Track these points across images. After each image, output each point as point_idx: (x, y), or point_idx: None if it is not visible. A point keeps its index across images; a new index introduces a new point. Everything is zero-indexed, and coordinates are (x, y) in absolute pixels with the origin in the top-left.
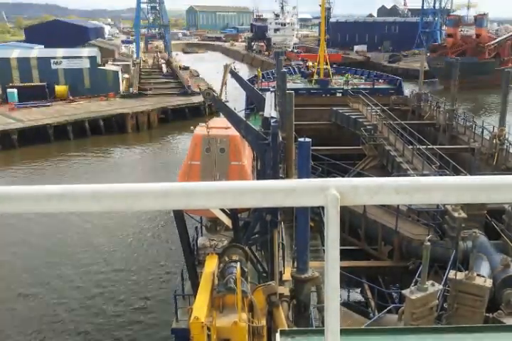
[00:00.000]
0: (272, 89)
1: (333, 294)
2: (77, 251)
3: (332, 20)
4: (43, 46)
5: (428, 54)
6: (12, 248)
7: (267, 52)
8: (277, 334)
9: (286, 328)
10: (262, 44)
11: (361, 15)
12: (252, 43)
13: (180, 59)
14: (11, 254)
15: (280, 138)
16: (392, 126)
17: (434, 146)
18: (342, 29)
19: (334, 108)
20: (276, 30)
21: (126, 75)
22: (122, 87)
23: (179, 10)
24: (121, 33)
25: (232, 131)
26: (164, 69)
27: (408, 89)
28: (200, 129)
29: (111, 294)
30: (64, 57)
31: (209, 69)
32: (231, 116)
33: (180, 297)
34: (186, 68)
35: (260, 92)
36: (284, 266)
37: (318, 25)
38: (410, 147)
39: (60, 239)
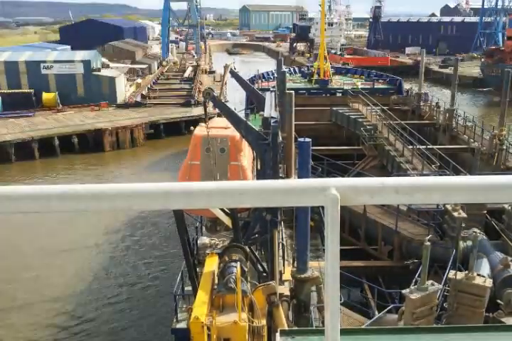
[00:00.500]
0: (271, 89)
1: (333, 294)
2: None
3: (384, 19)
4: (69, 47)
5: (483, 59)
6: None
7: (308, 54)
8: (277, 334)
9: (286, 328)
10: (304, 45)
11: (423, 14)
12: (294, 44)
13: (218, 61)
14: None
15: (280, 138)
16: (392, 126)
17: (434, 146)
18: (394, 29)
19: (334, 108)
20: None
21: (140, 80)
22: (127, 94)
23: (237, 9)
24: (174, 32)
25: (232, 131)
26: (187, 73)
27: (457, 101)
28: (200, 129)
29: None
30: (55, 61)
31: (240, 72)
32: (231, 116)
33: (180, 297)
34: (212, 72)
35: (260, 92)
36: (284, 266)
37: (373, 25)
38: (410, 147)
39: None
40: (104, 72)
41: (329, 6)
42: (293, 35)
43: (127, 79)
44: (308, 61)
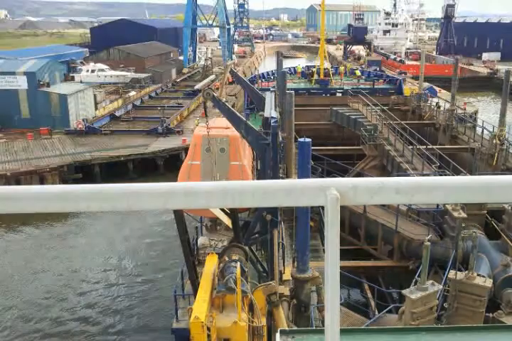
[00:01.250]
0: (272, 89)
1: (333, 294)
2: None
3: (458, 20)
4: (85, 50)
5: None
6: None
7: (361, 61)
8: (277, 334)
9: (287, 328)
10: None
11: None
12: (349, 48)
13: (262, 67)
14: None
15: (280, 138)
16: (392, 126)
17: (434, 146)
18: (469, 31)
19: (334, 108)
20: (385, 32)
21: (133, 93)
22: (99, 113)
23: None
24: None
25: (233, 131)
26: (203, 83)
27: None
28: (201, 129)
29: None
30: None
31: None
32: (231, 116)
33: (180, 297)
34: (232, 82)
35: (260, 92)
36: (284, 266)
37: (444, 26)
38: (410, 147)
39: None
40: (58, 87)
41: (394, 5)
42: (346, 36)
43: (120, 92)
44: (360, 67)
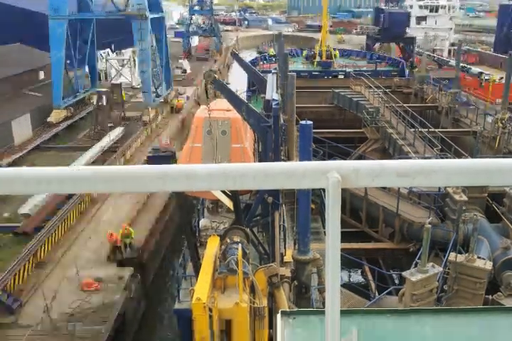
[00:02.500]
0: (273, 71)
1: (334, 275)
2: None
3: None
4: None
5: None
6: None
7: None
8: (278, 315)
9: (287, 309)
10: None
11: None
12: (376, 45)
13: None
14: None
15: (282, 121)
16: (395, 108)
17: (436, 129)
18: None
19: (336, 90)
20: (420, 19)
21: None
22: None
23: None
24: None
25: (234, 114)
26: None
27: None
28: (202, 111)
29: None
30: None
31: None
32: (232, 98)
33: (183, 278)
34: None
35: (262, 74)
36: (285, 248)
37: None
38: (412, 130)
39: None
40: None
41: None
42: (371, 28)
43: None
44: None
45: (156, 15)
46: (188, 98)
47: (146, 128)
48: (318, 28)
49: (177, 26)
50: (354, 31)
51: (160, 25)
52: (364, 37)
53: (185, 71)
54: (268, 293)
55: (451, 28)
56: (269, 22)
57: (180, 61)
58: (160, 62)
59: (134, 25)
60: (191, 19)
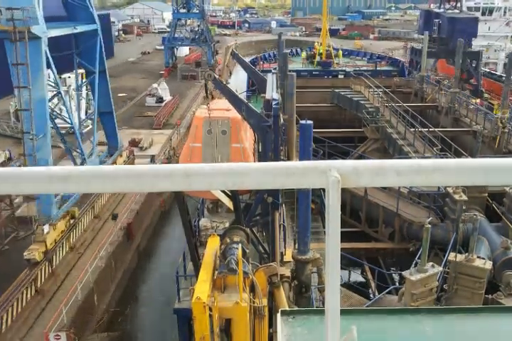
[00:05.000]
0: (273, 71)
1: (334, 275)
2: None
3: None
4: None
5: None
6: None
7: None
8: (278, 315)
9: (287, 308)
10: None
11: None
12: (433, 63)
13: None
14: None
15: (282, 121)
16: (395, 108)
17: (436, 129)
18: None
19: (336, 90)
20: None
21: None
22: None
23: None
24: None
25: (234, 113)
26: None
27: None
28: (202, 111)
29: None
30: None
31: None
32: (232, 97)
33: (182, 277)
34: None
35: (262, 74)
36: (285, 248)
37: None
38: (412, 130)
39: None
40: None
41: None
42: (416, 36)
43: None
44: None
45: (70, 30)
46: (153, 160)
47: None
48: (331, 33)
49: (169, 30)
50: (371, 36)
51: (91, 47)
52: (384, 43)
53: (161, 100)
54: (268, 293)
55: (507, 36)
56: (273, 25)
57: (154, 85)
58: (96, 109)
59: (8, 49)
60: (176, 25)
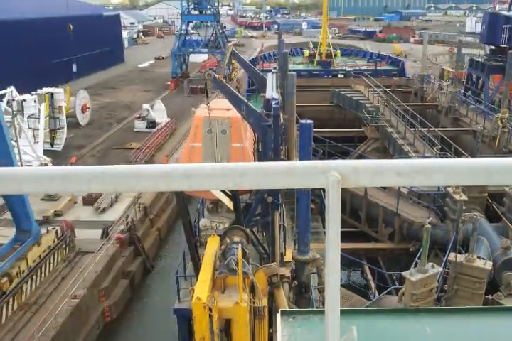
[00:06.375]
0: (273, 70)
1: (334, 275)
2: None
3: None
4: None
5: None
6: None
7: None
8: (278, 315)
9: (287, 309)
10: None
11: None
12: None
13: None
14: None
15: (282, 120)
16: (394, 108)
17: (436, 129)
18: None
19: (336, 89)
20: None
21: None
22: None
23: None
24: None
25: (234, 113)
26: None
27: None
28: (202, 111)
29: None
30: None
31: None
32: (232, 97)
33: (182, 278)
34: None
35: (262, 73)
36: (285, 248)
37: None
38: (412, 129)
39: None
40: None
41: None
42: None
43: None
44: None
45: None
46: (105, 232)
47: None
48: (367, 35)
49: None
50: (412, 39)
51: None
52: (428, 46)
53: (153, 124)
54: (268, 293)
55: None
56: (304, 26)
57: (145, 106)
58: None
59: None
60: (187, 29)
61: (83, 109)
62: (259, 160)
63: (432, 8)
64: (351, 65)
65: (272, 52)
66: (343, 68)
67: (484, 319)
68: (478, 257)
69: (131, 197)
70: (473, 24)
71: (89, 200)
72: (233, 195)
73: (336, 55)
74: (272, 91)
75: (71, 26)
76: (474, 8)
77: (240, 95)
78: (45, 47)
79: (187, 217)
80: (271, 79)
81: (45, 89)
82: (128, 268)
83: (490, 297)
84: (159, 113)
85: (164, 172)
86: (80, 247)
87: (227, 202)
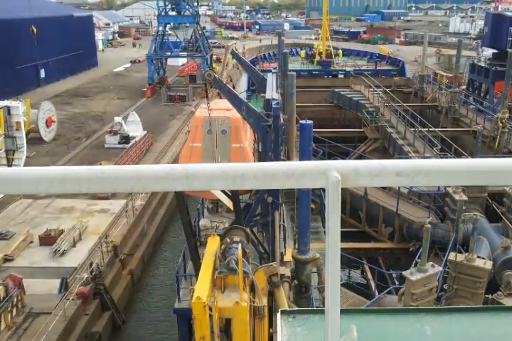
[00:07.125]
0: (273, 71)
1: (334, 275)
2: None
3: None
4: None
5: None
6: None
7: None
8: (278, 314)
9: (287, 308)
10: None
11: None
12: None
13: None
14: None
15: (281, 120)
16: (395, 108)
17: (436, 129)
18: None
19: (336, 89)
20: None
21: None
22: None
23: None
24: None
25: (234, 113)
26: None
27: None
28: (201, 111)
29: None
30: None
31: None
32: (232, 97)
33: (182, 277)
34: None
35: (261, 73)
36: (285, 248)
37: None
38: (412, 129)
39: None
40: None
41: None
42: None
43: None
44: None
45: None
46: (64, 285)
47: None
48: (350, 36)
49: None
50: (397, 40)
51: None
52: (413, 48)
53: (126, 139)
54: (268, 293)
55: None
56: (286, 26)
57: (117, 119)
58: None
59: None
60: (164, 31)
61: (47, 123)
62: (259, 160)
63: (413, 8)
64: (351, 65)
65: (271, 52)
66: (343, 68)
67: (484, 318)
68: (478, 257)
69: (97, 234)
70: (457, 24)
71: (48, 239)
72: (233, 195)
73: (338, 55)
74: (272, 92)
75: (34, 28)
76: (455, 7)
77: (239, 95)
78: (6, 52)
79: (187, 217)
80: (271, 80)
81: (0, 103)
82: (92, 329)
83: (490, 296)
84: (134, 126)
85: (164, 173)
86: (31, 307)
87: (227, 202)
